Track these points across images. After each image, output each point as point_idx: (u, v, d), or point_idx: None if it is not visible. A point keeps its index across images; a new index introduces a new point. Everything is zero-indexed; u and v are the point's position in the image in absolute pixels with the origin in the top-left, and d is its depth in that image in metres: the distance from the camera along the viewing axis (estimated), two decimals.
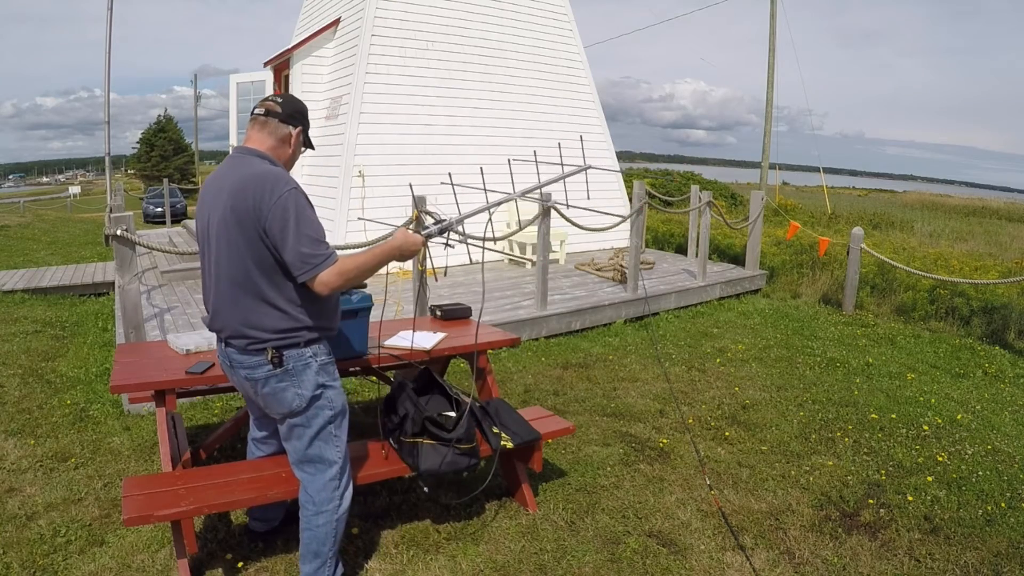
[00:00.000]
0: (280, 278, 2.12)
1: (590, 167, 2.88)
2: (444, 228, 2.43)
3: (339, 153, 8.25)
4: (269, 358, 2.16)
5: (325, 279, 2.07)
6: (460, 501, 3.12)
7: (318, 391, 2.25)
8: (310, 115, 2.38)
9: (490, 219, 2.63)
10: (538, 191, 3.01)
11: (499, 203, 2.73)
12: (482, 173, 3.07)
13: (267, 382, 2.21)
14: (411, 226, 2.41)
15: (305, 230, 2.06)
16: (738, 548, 2.86)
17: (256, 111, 2.24)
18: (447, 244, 2.46)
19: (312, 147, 2.39)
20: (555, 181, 2.96)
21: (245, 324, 2.14)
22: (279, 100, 2.25)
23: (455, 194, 2.77)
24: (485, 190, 2.83)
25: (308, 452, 2.31)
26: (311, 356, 2.23)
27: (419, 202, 4.79)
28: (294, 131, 2.24)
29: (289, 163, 2.29)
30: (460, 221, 2.50)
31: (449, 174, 2.85)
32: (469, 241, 2.53)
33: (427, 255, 4.65)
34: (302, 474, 2.36)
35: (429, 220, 2.52)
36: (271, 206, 2.03)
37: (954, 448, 3.89)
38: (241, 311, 2.14)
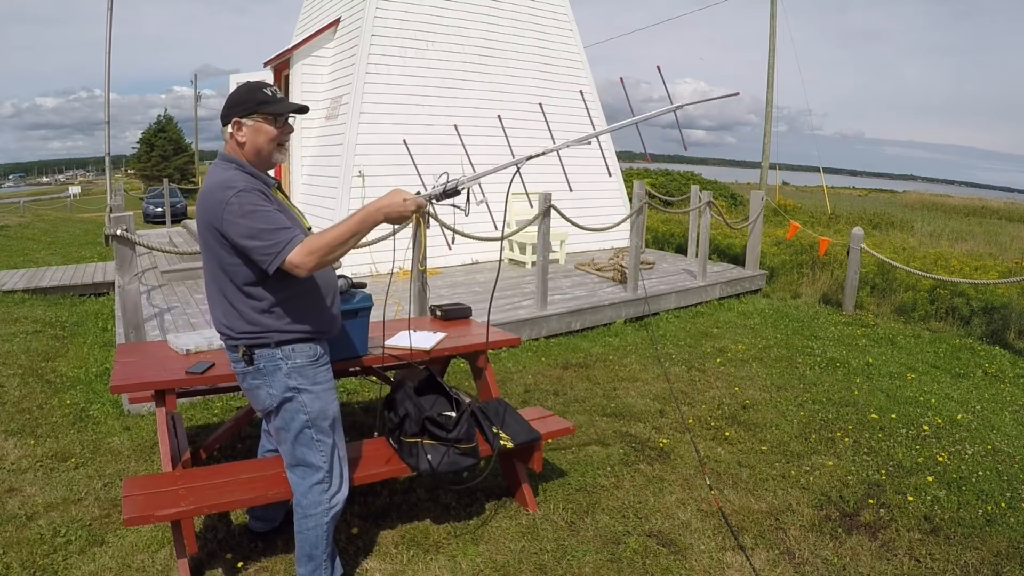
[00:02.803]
0: (243, 282, 2.15)
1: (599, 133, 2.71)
2: (451, 191, 2.19)
3: (339, 153, 8.25)
4: (241, 355, 2.22)
5: (294, 261, 2.03)
6: (460, 488, 3.12)
7: (289, 394, 2.24)
8: (310, 114, 2.33)
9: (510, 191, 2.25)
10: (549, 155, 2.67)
11: (510, 164, 2.45)
12: (502, 124, 2.92)
13: (244, 378, 2.28)
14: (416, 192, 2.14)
15: (257, 225, 2.04)
16: (738, 548, 2.86)
17: None
18: (455, 207, 2.24)
19: (297, 110, 2.21)
20: (565, 147, 2.55)
21: (221, 322, 2.23)
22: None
23: (465, 149, 2.56)
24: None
25: (294, 455, 2.32)
26: (281, 358, 2.22)
27: None
28: (231, 128, 2.16)
29: (256, 155, 2.17)
30: (472, 180, 2.24)
31: (455, 125, 2.67)
32: (486, 202, 2.24)
33: (426, 254, 4.63)
34: (292, 476, 2.37)
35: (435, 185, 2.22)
36: (223, 215, 2.06)
37: (954, 448, 3.89)
38: (218, 309, 2.23)
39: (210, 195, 2.11)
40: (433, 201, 2.26)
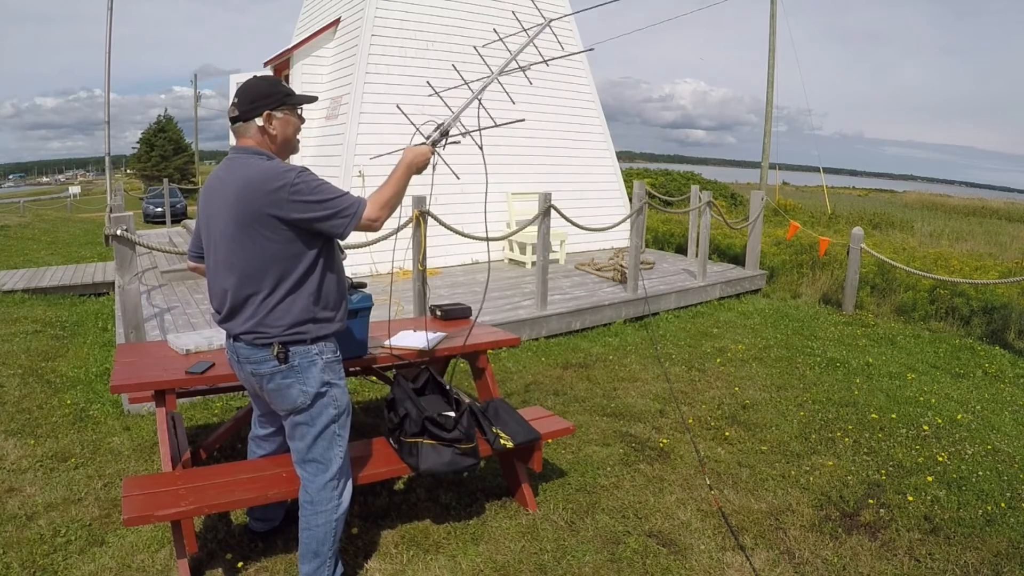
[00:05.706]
0: (291, 276, 2.14)
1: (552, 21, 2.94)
2: (444, 130, 2.53)
3: (339, 153, 8.24)
4: (275, 354, 2.18)
5: (370, 216, 2.16)
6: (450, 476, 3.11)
7: (323, 389, 2.26)
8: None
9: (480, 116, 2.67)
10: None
11: (484, 88, 2.82)
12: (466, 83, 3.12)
13: (272, 378, 2.22)
14: (415, 141, 2.50)
15: (326, 196, 2.11)
16: (738, 548, 2.86)
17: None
18: (446, 143, 2.56)
19: (310, 100, 2.30)
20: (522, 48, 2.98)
21: (254, 320, 2.16)
22: (236, 100, 2.19)
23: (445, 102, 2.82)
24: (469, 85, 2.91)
25: (311, 451, 2.32)
26: (317, 354, 2.24)
27: (418, 202, 4.80)
28: (261, 120, 2.16)
29: (284, 146, 2.24)
30: (455, 118, 2.61)
31: (427, 81, 2.94)
32: (471, 133, 2.61)
33: (426, 254, 4.65)
34: (303, 473, 2.36)
35: (427, 131, 2.57)
36: (289, 198, 2.06)
37: (954, 448, 3.89)
38: (251, 307, 2.16)
39: (261, 185, 2.06)
40: (436, 146, 2.49)
